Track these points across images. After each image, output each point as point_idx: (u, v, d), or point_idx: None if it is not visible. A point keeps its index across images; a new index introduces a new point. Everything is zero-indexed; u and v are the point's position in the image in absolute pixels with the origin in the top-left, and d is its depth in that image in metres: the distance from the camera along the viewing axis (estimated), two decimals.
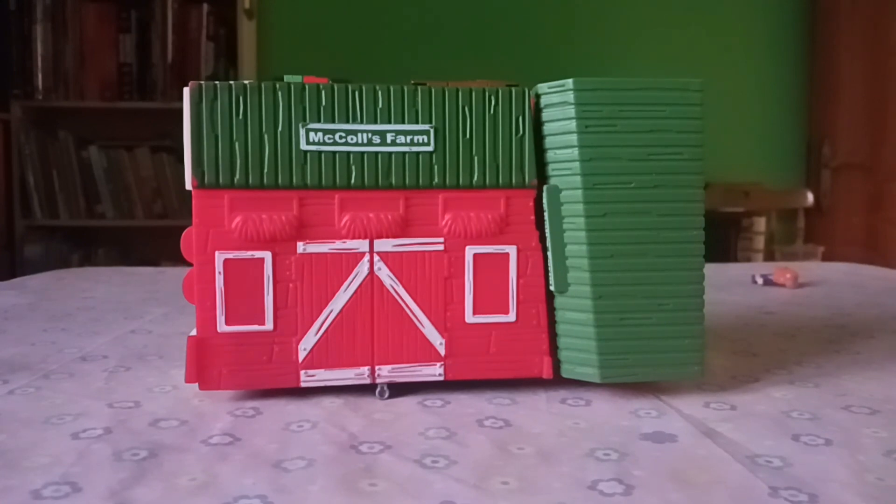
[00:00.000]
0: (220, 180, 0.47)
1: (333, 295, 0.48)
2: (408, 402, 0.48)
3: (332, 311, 0.48)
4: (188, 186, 0.47)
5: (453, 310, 0.49)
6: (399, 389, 0.50)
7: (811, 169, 2.62)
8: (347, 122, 0.48)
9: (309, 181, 0.47)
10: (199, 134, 0.46)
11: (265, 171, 0.47)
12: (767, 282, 1.01)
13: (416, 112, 0.48)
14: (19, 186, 2.10)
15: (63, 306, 0.82)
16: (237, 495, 0.34)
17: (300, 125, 0.47)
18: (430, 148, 0.48)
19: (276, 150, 0.47)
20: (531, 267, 0.50)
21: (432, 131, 0.48)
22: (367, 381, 0.49)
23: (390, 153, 0.48)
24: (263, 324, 0.47)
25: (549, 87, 0.49)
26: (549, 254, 0.49)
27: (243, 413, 0.46)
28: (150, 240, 2.17)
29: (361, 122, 0.48)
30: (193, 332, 0.47)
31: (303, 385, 0.48)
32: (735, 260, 2.34)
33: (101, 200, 2.14)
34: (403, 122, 0.48)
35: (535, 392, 0.50)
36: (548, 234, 0.49)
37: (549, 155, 0.49)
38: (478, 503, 0.34)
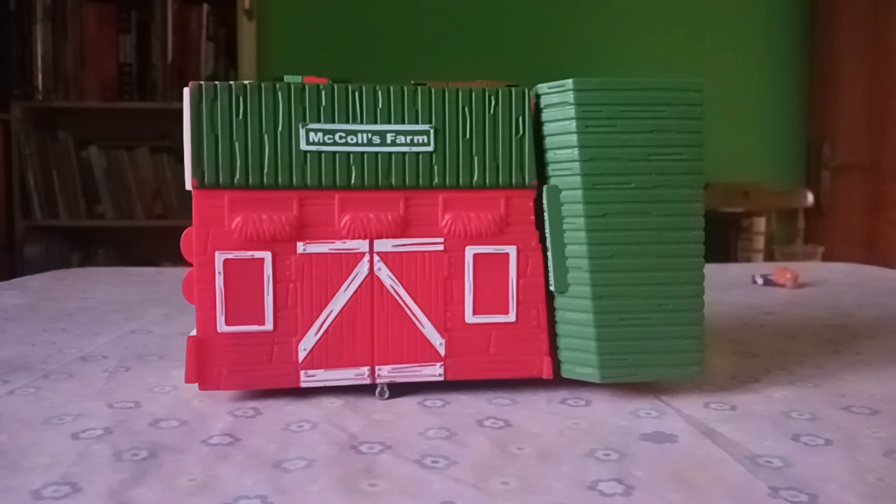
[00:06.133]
0: (220, 180, 0.47)
1: (333, 295, 0.48)
2: (408, 403, 0.48)
3: (332, 312, 0.48)
4: (188, 187, 0.47)
5: (453, 310, 0.49)
6: (399, 389, 0.50)
7: (811, 169, 2.62)
8: (347, 122, 0.48)
9: (309, 181, 0.47)
10: (199, 134, 0.46)
11: (265, 171, 0.47)
12: (767, 282, 1.01)
13: (416, 112, 0.48)
14: (19, 186, 2.10)
15: (63, 306, 0.82)
16: (237, 496, 0.34)
17: (300, 125, 0.47)
18: (430, 148, 0.48)
19: (276, 151, 0.47)
20: (531, 267, 0.50)
21: (432, 131, 0.48)
22: (367, 382, 0.49)
23: (390, 153, 0.48)
24: (263, 324, 0.47)
25: (549, 87, 0.49)
26: (549, 254, 0.49)
27: (243, 413, 0.46)
28: (150, 240, 2.17)
29: (361, 122, 0.48)
30: (193, 333, 0.47)
31: (303, 385, 0.48)
32: (735, 260, 2.34)
33: (101, 201, 2.14)
34: (403, 123, 0.48)
35: (535, 392, 0.50)
36: (548, 234, 0.49)
37: (549, 155, 0.49)
38: (478, 503, 0.34)
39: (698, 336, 0.49)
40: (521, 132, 0.49)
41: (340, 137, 0.48)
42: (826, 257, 2.38)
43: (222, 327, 0.47)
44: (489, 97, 0.49)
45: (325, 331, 0.48)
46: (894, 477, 0.36)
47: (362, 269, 0.48)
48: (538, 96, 0.49)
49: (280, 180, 0.47)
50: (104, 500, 0.33)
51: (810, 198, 2.53)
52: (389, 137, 0.48)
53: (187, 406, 0.47)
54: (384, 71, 2.36)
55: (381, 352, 0.49)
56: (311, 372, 0.48)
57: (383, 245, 0.48)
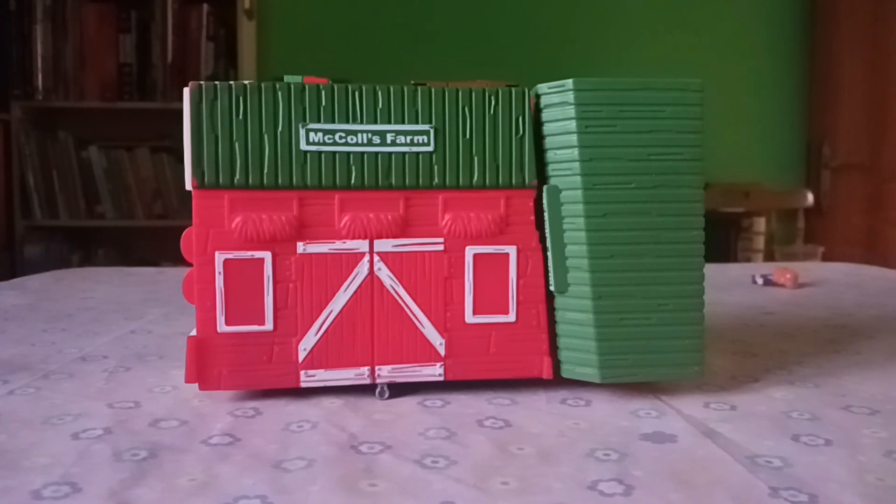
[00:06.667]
0: (220, 180, 0.47)
1: (333, 295, 0.48)
2: (408, 403, 0.48)
3: (332, 312, 0.48)
4: (188, 187, 0.47)
5: (453, 310, 0.49)
6: (399, 389, 0.50)
7: (811, 169, 2.62)
8: (347, 122, 0.48)
9: (309, 181, 0.47)
10: (199, 134, 0.46)
11: (265, 171, 0.47)
12: (767, 282, 1.01)
13: (416, 112, 0.48)
14: (19, 186, 2.10)
15: (63, 306, 0.82)
16: (237, 496, 0.34)
17: (300, 125, 0.47)
18: (430, 148, 0.48)
19: (276, 151, 0.47)
20: (531, 267, 0.50)
21: (432, 131, 0.48)
22: (367, 382, 0.49)
23: (390, 153, 0.48)
24: (263, 324, 0.47)
25: (549, 87, 0.49)
26: (549, 254, 0.49)
27: (243, 413, 0.46)
28: (150, 240, 2.17)
29: (361, 122, 0.48)
30: (193, 333, 0.47)
31: (303, 385, 0.48)
32: (735, 260, 2.34)
33: (101, 201, 2.14)
34: (403, 123, 0.48)
35: (535, 392, 0.50)
36: (548, 234, 0.49)
37: (549, 155, 0.49)
38: (478, 503, 0.34)
39: (698, 336, 0.49)
40: (521, 132, 0.49)
41: (340, 137, 0.48)
42: (826, 257, 2.38)
43: (222, 327, 0.47)
44: (489, 97, 0.49)
45: (325, 331, 0.48)
46: (894, 477, 0.36)
47: (362, 269, 0.48)
48: (538, 96, 0.49)
49: (280, 180, 0.47)
50: (104, 500, 0.33)
51: (810, 198, 2.53)
52: (389, 137, 0.48)
53: (187, 406, 0.47)
54: (384, 71, 2.36)
55: (381, 352, 0.49)
56: (311, 372, 0.48)
57: (383, 245, 0.48)
